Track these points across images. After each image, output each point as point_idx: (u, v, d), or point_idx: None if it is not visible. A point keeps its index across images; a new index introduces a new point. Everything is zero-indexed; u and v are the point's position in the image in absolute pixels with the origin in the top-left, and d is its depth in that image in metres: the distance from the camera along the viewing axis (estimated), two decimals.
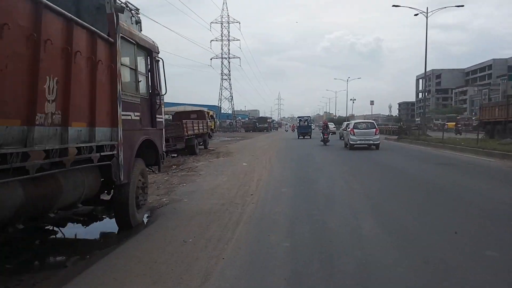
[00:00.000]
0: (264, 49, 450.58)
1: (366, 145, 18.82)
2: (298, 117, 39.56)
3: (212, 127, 36.99)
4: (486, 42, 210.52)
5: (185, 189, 8.45)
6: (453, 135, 28.90)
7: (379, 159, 14.87)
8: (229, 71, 73.06)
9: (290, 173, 11.04)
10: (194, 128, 18.68)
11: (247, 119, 79.25)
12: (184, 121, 17.66)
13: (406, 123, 43.09)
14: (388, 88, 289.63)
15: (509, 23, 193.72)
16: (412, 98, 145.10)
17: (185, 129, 17.08)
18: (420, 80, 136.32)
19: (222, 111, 76.41)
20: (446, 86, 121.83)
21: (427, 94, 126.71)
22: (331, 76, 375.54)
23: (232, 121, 74.26)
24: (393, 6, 28.24)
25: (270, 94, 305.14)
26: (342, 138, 24.48)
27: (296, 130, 39.12)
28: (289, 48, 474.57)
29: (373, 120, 28.09)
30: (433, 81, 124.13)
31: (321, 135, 23.67)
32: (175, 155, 17.47)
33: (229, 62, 72.55)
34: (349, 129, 19.76)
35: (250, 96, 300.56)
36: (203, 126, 20.19)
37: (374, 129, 18.91)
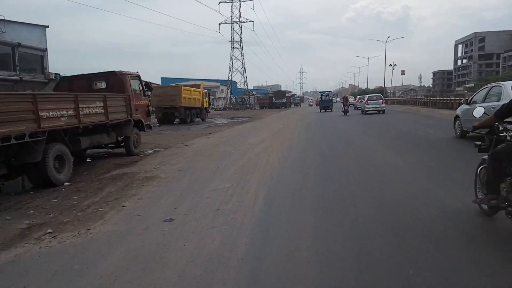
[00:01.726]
0: (286, 22, 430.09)
1: (376, 111, 26.24)
2: (320, 91, 43.66)
3: (206, 106, 28.94)
4: None
5: None
6: None
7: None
8: (241, 38, 62.65)
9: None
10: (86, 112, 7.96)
11: (262, 94, 68.34)
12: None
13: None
14: (417, 58, 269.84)
15: None
16: (446, 67, 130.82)
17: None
18: (460, 46, 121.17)
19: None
20: (491, 51, 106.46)
21: (468, 61, 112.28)
22: (356, 48, 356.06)
23: (244, 96, 64.86)
24: None
25: (292, 68, 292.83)
26: (358, 108, 34.06)
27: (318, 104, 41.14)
28: (312, 20, 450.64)
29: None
30: (475, 46, 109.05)
31: (342, 107, 28.43)
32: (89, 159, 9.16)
33: (241, 27, 62.14)
34: (364, 101, 28.18)
35: (271, 71, 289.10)
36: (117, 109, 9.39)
37: (381, 100, 27.22)
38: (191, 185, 5.94)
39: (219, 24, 61.81)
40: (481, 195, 3.69)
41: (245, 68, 64.17)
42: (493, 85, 9.29)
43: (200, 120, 27.55)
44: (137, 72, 10.68)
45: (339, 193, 4.96)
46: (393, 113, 26.31)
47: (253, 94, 69.42)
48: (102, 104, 8.49)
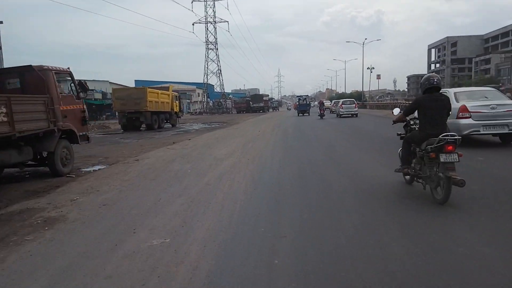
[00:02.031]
0: (263, 25, 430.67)
1: (350, 115, 28.01)
2: (297, 96, 45.05)
3: (176, 111, 26.63)
4: (491, 12, 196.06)
5: None
6: None
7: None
8: (216, 39, 60.37)
9: None
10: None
11: (239, 98, 65.97)
12: None
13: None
14: (391, 63, 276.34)
15: None
16: (419, 71, 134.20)
17: None
18: (433, 50, 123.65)
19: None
20: (463, 55, 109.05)
21: (441, 65, 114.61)
22: (332, 51, 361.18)
23: (221, 100, 62.56)
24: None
25: (270, 71, 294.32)
26: (333, 111, 36.10)
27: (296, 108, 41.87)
28: (289, 24, 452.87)
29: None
30: (448, 50, 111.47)
31: (318, 111, 29.55)
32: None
33: (215, 28, 59.87)
34: (339, 105, 30.25)
35: (249, 75, 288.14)
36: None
37: (354, 105, 29.15)
38: (101, 240, 3.77)
39: (193, 24, 59.44)
40: (400, 166, 5.18)
41: (221, 71, 62.01)
42: (442, 90, 8.86)
43: (170, 126, 25.22)
44: (68, 68, 8.36)
45: (332, 259, 2.97)
46: (367, 116, 27.57)
47: (230, 98, 67.13)
48: (4, 110, 6.20)
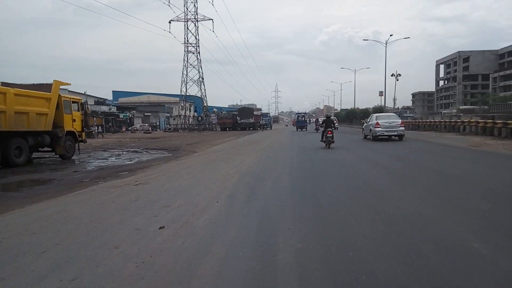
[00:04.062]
0: (262, 43, 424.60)
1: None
2: (297, 113, 54.25)
3: (76, 129, 14.37)
4: (486, 34, 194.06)
5: None
6: None
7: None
8: (198, 40, 48.88)
9: None
10: None
11: (225, 112, 53.76)
12: None
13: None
14: (390, 82, 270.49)
15: (510, 14, 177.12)
16: (417, 89, 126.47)
17: None
18: (442, 66, 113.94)
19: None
20: (475, 71, 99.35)
21: (453, 82, 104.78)
22: (329, 70, 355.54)
23: (201, 115, 51.01)
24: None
25: (268, 87, 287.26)
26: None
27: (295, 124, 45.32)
28: (288, 42, 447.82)
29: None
30: (459, 66, 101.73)
31: (314, 125, 35.32)
32: None
33: (197, 26, 48.67)
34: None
35: (246, 91, 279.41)
36: None
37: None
38: None
39: (170, 22, 48.19)
40: (321, 140, 15.49)
41: (203, 79, 50.50)
42: (372, 115, 22.13)
43: (58, 157, 13.41)
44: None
45: None
46: (426, 144, 16.79)
47: (214, 112, 55.52)
48: None
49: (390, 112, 30.40)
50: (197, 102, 66.96)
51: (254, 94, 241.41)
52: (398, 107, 67.40)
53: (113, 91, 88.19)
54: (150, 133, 42.34)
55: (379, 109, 46.34)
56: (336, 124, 28.94)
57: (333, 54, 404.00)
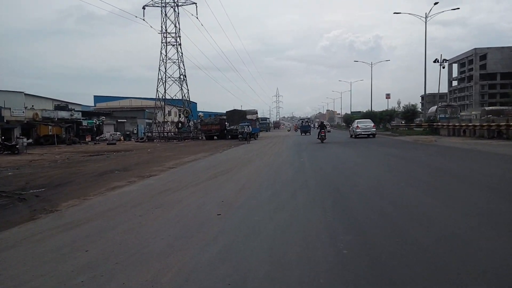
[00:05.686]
0: (263, 49, 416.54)
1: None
2: (301, 118, 69.13)
3: None
4: (487, 37, 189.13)
5: None
6: None
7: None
8: (179, 29, 39.62)
9: None
10: None
11: (211, 117, 44.02)
12: None
13: None
14: (391, 85, 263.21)
15: (510, 17, 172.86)
16: (421, 93, 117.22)
17: None
18: (454, 65, 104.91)
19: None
20: (494, 70, 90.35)
21: (467, 81, 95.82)
22: (330, 75, 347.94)
23: (180, 120, 42.19)
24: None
25: (269, 93, 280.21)
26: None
27: (298, 129, 51.35)
28: (288, 48, 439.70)
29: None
30: (475, 64, 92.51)
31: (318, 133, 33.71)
32: None
33: (178, 12, 39.19)
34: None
35: (246, 97, 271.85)
36: None
37: (329, 126, 42.43)
38: None
39: (144, 8, 39.41)
40: (317, 138, 24.90)
41: (185, 76, 41.59)
42: (354, 120, 34.73)
43: None
44: None
45: None
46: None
47: (200, 116, 46.58)
48: None
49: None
50: (192, 107, 57.07)
51: (255, 100, 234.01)
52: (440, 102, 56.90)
53: (94, 96, 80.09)
54: (114, 144, 33.61)
55: (411, 109, 43.32)
56: (328, 127, 38.68)
57: (334, 59, 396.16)
